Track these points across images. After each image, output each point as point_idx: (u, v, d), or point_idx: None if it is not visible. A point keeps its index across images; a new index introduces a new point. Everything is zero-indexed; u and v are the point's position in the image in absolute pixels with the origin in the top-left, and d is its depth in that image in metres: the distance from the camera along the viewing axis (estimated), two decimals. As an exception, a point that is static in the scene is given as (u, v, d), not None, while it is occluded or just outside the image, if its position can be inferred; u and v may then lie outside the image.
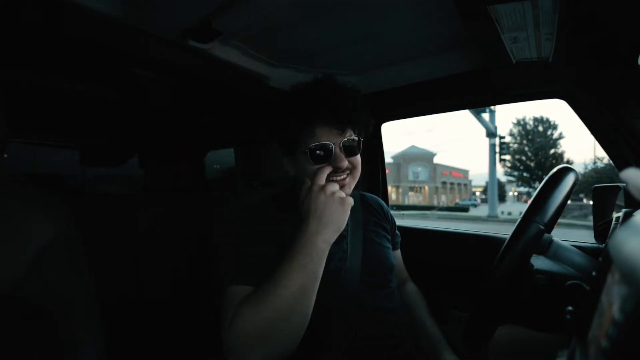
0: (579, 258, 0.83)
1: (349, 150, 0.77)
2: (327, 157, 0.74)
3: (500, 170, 31.31)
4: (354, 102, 0.77)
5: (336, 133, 0.76)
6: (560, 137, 31.77)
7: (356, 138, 0.78)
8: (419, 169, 35.19)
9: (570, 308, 0.45)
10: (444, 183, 37.88)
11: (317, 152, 0.74)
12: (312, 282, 0.64)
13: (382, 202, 1.02)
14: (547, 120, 32.60)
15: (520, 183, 34.03)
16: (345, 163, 0.76)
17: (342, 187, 0.76)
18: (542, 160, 31.02)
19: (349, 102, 0.76)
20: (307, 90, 0.79)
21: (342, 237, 0.82)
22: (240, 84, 1.25)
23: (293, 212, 0.80)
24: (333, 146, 0.75)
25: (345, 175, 0.78)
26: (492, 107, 17.39)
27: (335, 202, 0.68)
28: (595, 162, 30.13)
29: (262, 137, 1.20)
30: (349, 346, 0.74)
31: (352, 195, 0.92)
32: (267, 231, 0.74)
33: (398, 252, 1.05)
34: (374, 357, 0.76)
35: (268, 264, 0.68)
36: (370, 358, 0.75)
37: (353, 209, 0.89)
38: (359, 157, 0.80)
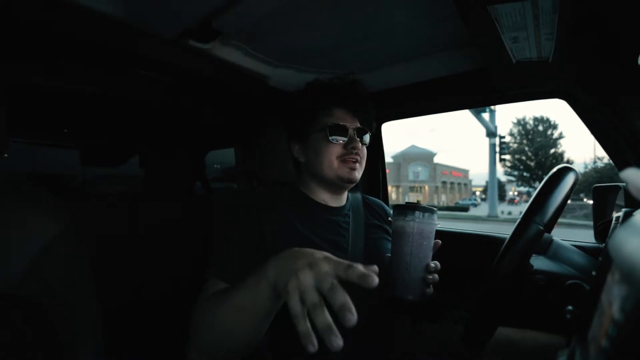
0: (579, 258, 0.83)
1: (361, 136, 0.83)
2: (344, 136, 0.81)
3: (500, 169, 31.32)
4: (365, 94, 0.86)
5: (351, 116, 0.84)
6: (561, 136, 31.80)
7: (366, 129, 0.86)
8: (419, 168, 35.20)
9: (570, 308, 0.45)
10: (444, 183, 37.89)
11: (335, 130, 0.80)
12: (249, 317, 0.55)
13: (387, 207, 1.01)
14: (547, 119, 32.59)
15: (520, 183, 34.04)
16: (360, 144, 0.82)
17: (353, 170, 0.81)
18: (542, 159, 31.01)
19: (362, 93, 0.86)
20: (324, 80, 0.88)
21: (341, 238, 0.82)
22: (240, 84, 1.25)
23: (297, 212, 0.80)
24: (349, 127, 0.82)
25: (356, 158, 0.82)
26: (492, 107, 17.39)
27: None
28: (595, 162, 30.13)
29: (262, 137, 1.20)
30: (347, 346, 0.74)
31: (353, 197, 0.93)
32: (259, 229, 0.75)
33: None
34: (372, 357, 0.76)
35: (248, 264, 0.69)
36: (368, 358, 0.75)
37: (354, 210, 0.89)
38: (365, 149, 0.86)
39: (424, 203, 0.69)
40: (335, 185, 0.84)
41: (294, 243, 0.76)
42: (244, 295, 0.54)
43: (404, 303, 0.68)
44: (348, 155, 0.80)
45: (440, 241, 0.71)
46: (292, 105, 0.90)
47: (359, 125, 0.84)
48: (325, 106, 0.83)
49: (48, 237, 0.54)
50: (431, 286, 0.69)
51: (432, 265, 0.68)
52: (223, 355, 0.60)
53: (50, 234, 0.54)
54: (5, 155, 0.59)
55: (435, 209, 0.68)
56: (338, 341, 0.38)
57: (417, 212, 0.67)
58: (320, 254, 0.48)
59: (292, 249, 0.52)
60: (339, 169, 0.81)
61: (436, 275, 0.69)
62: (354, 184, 0.84)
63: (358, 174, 0.82)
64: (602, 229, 0.93)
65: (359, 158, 0.82)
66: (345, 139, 0.81)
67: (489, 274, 0.72)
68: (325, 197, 0.86)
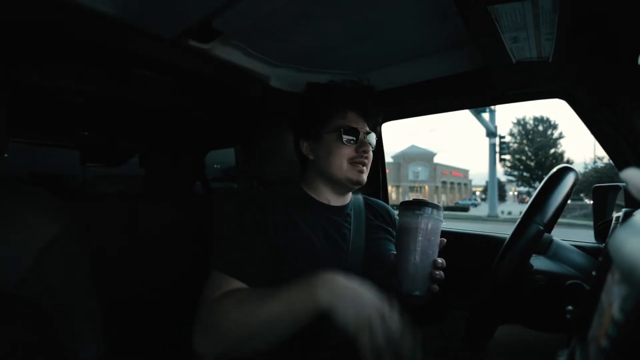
0: (579, 258, 0.83)
1: (371, 139, 0.86)
2: (356, 138, 0.83)
3: (500, 169, 31.28)
4: (375, 99, 0.90)
5: (362, 120, 0.86)
6: (561, 136, 31.79)
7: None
8: (419, 168, 35.20)
9: (570, 308, 0.45)
10: (444, 183, 37.89)
11: (349, 132, 0.83)
12: (286, 329, 0.61)
13: (391, 209, 1.01)
14: (547, 119, 32.57)
15: (520, 183, 34.04)
16: (370, 148, 0.85)
17: (361, 172, 0.84)
18: (542, 159, 30.98)
19: (373, 97, 0.89)
20: (338, 82, 0.91)
21: (342, 237, 0.82)
22: (240, 84, 1.25)
23: (299, 211, 0.80)
24: (360, 131, 0.84)
25: (365, 162, 0.84)
26: (492, 107, 17.39)
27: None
28: (595, 162, 30.09)
29: (262, 137, 1.20)
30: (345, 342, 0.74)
31: (355, 197, 0.94)
32: (265, 226, 0.76)
33: None
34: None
35: (257, 260, 0.72)
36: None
37: (356, 211, 0.89)
38: (371, 152, 0.87)
39: None
40: (343, 186, 0.86)
41: (296, 241, 0.76)
42: (283, 308, 0.59)
43: (410, 300, 0.69)
44: (358, 157, 0.83)
45: (445, 240, 0.72)
46: (304, 103, 0.92)
47: (367, 129, 0.86)
48: (340, 108, 0.85)
49: (48, 237, 0.54)
50: (436, 284, 0.69)
51: (440, 261, 0.69)
52: (242, 354, 0.63)
53: (50, 234, 0.54)
54: (5, 155, 0.60)
55: (440, 206, 0.70)
56: None
57: (426, 208, 0.68)
58: (381, 307, 0.57)
59: (343, 283, 0.60)
60: (348, 171, 0.83)
61: (442, 272, 0.69)
62: (361, 186, 0.86)
63: (365, 177, 0.85)
64: (602, 229, 0.93)
65: (367, 161, 0.84)
66: (357, 141, 0.83)
67: (489, 274, 0.72)
68: (329, 197, 0.87)
